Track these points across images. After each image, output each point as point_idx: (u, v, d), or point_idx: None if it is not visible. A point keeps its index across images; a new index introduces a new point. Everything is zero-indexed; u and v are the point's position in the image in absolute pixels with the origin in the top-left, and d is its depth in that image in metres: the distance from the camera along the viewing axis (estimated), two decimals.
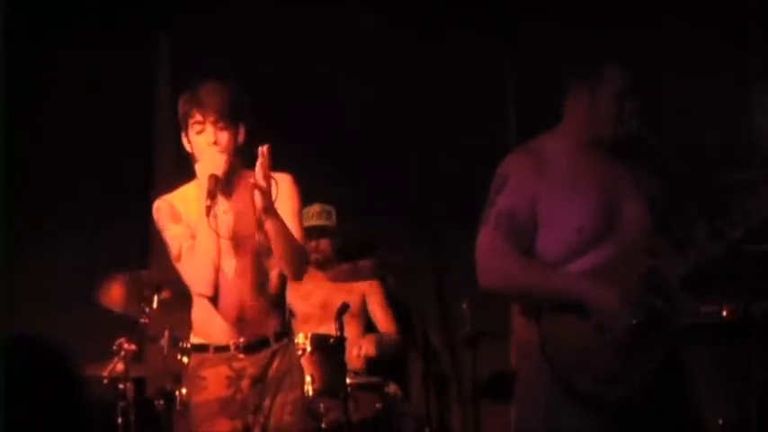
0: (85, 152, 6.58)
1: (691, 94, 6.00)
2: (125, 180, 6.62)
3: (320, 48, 6.67)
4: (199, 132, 4.15)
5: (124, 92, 6.59)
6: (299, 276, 4.33)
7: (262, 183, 4.01)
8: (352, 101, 6.70)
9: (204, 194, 4.06)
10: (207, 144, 4.14)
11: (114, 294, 5.61)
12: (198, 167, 4.15)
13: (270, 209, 4.05)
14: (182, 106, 4.19)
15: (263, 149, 4.01)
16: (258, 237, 4.20)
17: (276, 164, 4.31)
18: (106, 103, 6.55)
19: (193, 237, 4.15)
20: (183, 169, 4.36)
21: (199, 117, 4.13)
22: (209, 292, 4.18)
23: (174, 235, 4.22)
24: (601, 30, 5.95)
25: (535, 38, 6.45)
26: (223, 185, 4.16)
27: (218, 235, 4.10)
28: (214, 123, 4.13)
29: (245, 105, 4.22)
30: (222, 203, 4.21)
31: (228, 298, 4.21)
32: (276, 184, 4.05)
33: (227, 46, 6.59)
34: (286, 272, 4.26)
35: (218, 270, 4.15)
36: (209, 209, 4.02)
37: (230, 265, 4.22)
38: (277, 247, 4.13)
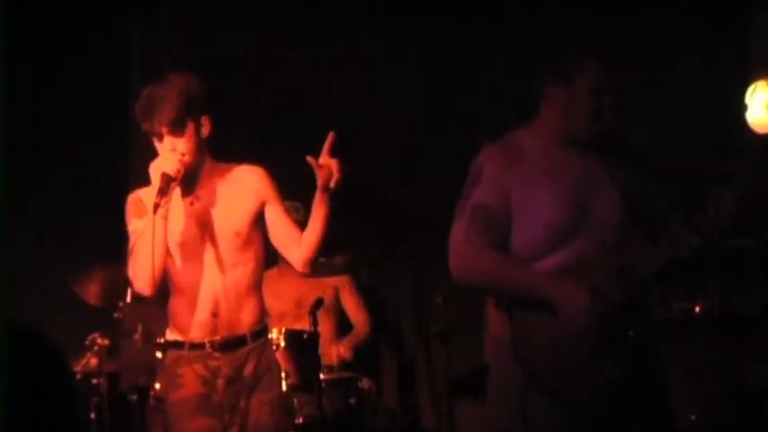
0: (60, 144, 6.56)
1: (669, 87, 6.02)
2: (100, 173, 6.60)
3: (295, 38, 6.68)
4: (158, 141, 4.11)
5: (98, 82, 6.56)
6: (309, 267, 4.28)
7: (326, 162, 4.04)
8: (324, 93, 6.70)
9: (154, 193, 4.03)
10: (167, 152, 4.10)
11: (91, 289, 5.61)
12: (151, 166, 4.09)
13: (328, 189, 4.07)
14: (136, 116, 4.12)
15: (330, 136, 4.04)
16: (236, 229, 4.20)
17: (243, 158, 4.31)
18: (80, 92, 6.53)
19: None
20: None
21: (152, 128, 4.08)
22: (147, 291, 4.10)
23: (133, 230, 4.17)
24: (578, 22, 5.96)
25: (512, 35, 6.46)
26: (187, 180, 4.14)
27: (165, 234, 4.06)
28: (169, 133, 4.08)
29: (198, 100, 4.12)
30: (176, 199, 4.16)
31: (202, 291, 4.18)
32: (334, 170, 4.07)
33: (200, 34, 6.58)
34: (301, 259, 4.24)
35: (159, 271, 4.06)
36: (156, 206, 3.99)
37: (203, 257, 4.19)
38: (316, 230, 4.16)
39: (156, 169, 4.06)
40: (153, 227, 3.99)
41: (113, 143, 6.64)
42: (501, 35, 6.51)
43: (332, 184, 4.07)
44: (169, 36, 6.68)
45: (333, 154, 4.05)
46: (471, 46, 6.65)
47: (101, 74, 6.60)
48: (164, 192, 4.00)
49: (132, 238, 4.15)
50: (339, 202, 4.12)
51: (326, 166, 4.05)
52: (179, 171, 4.06)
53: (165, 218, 4.05)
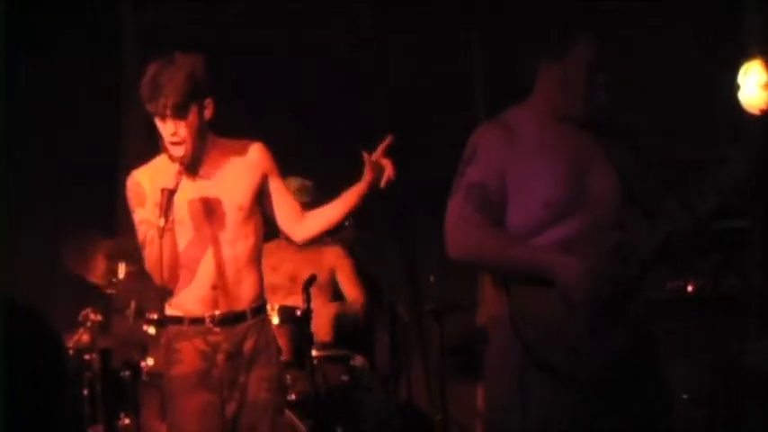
0: (51, 120, 6.53)
1: (664, 71, 6.01)
2: (91, 148, 6.58)
3: (293, 17, 6.67)
4: (161, 121, 4.11)
5: (89, 58, 6.54)
6: (307, 242, 4.48)
7: (381, 160, 4.23)
8: (327, 74, 6.70)
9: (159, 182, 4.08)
10: (168, 136, 4.11)
11: (97, 265, 5.60)
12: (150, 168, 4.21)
13: (375, 186, 4.25)
14: (141, 93, 4.10)
15: (389, 139, 4.23)
16: (239, 203, 4.22)
17: (249, 135, 4.32)
18: (71, 69, 6.50)
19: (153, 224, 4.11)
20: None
21: (156, 110, 4.06)
22: (162, 284, 4.15)
23: (139, 220, 4.21)
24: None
25: (505, 12, 6.46)
26: (194, 162, 4.17)
27: (173, 245, 4.11)
28: (172, 116, 4.07)
29: (203, 84, 4.11)
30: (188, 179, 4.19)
31: (203, 264, 4.20)
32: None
33: (196, 11, 6.56)
34: (302, 236, 4.41)
35: (172, 274, 4.14)
36: (161, 230, 3.99)
37: (205, 231, 4.20)
38: (335, 215, 4.35)
39: (156, 181, 4.11)
40: (160, 248, 4.00)
41: (106, 114, 6.62)
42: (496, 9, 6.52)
43: (382, 183, 4.24)
44: (164, 11, 6.65)
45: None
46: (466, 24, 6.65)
47: (93, 46, 6.58)
48: (166, 212, 4.01)
49: (141, 230, 4.20)
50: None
51: (380, 163, 4.22)
52: (178, 183, 4.07)
53: (172, 230, 4.09)
